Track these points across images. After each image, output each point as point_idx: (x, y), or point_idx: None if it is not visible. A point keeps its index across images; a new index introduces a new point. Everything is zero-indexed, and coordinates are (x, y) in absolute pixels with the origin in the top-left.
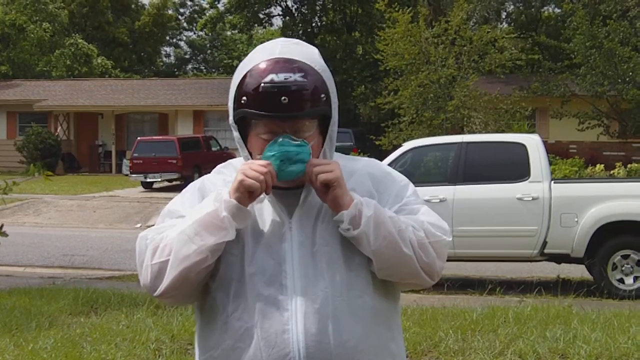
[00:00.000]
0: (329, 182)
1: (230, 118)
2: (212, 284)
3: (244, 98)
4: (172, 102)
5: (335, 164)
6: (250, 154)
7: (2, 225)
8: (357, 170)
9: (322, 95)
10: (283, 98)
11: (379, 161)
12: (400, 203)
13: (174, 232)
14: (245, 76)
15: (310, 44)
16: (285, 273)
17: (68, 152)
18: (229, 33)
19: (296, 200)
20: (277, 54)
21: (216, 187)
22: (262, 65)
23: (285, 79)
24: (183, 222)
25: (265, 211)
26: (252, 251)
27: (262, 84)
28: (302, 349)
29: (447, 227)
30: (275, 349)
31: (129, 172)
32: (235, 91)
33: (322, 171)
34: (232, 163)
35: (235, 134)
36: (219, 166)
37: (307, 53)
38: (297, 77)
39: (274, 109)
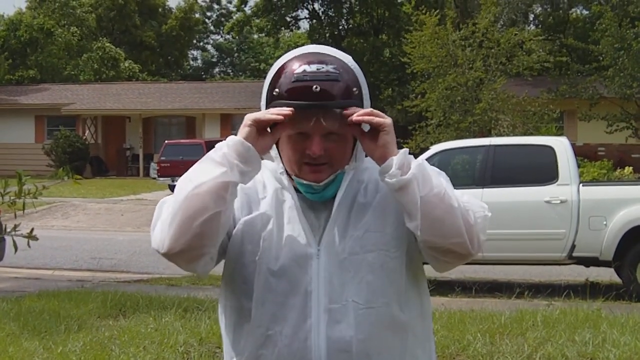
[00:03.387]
0: (382, 125)
1: None
2: (235, 288)
3: (276, 90)
4: (199, 105)
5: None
6: (281, 157)
7: (33, 229)
8: None
9: (355, 89)
10: (315, 86)
11: None
12: None
13: None
14: (277, 72)
15: (339, 47)
16: (310, 279)
17: (96, 155)
18: (256, 36)
19: (324, 206)
20: (310, 50)
21: None
22: (295, 60)
23: (317, 69)
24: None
25: (292, 215)
26: (276, 255)
27: (295, 74)
28: (324, 357)
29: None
30: (298, 357)
31: (156, 176)
32: (268, 88)
33: (376, 114)
34: (266, 164)
35: None
36: None
37: (340, 53)
38: (329, 68)
39: (306, 97)
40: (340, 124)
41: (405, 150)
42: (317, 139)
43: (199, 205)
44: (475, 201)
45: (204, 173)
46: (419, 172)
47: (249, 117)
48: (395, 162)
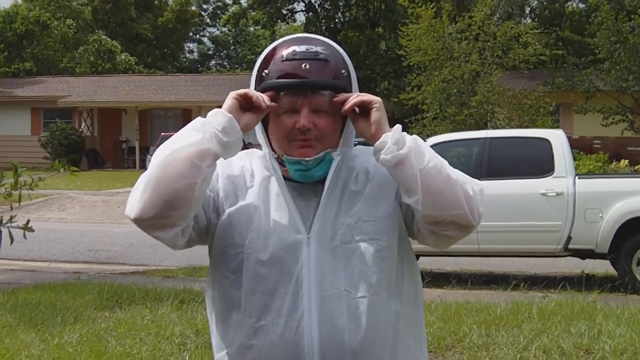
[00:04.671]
0: (371, 102)
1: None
2: (223, 280)
3: (265, 71)
4: (195, 97)
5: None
6: (270, 142)
7: (28, 221)
8: None
9: (343, 71)
10: (304, 65)
11: None
12: None
13: None
14: (268, 55)
15: (333, 39)
16: (301, 267)
17: (92, 148)
18: (252, 29)
19: (314, 193)
20: (299, 35)
21: (231, 167)
22: (285, 43)
23: (306, 49)
24: None
25: (281, 202)
26: (265, 244)
27: (285, 54)
28: (317, 346)
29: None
30: (290, 346)
31: None
32: (258, 69)
33: (361, 95)
34: (255, 152)
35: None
36: (241, 152)
37: (327, 39)
38: (318, 48)
39: (295, 76)
40: (328, 104)
41: (399, 126)
42: (306, 112)
43: (173, 172)
44: (468, 176)
45: (181, 140)
46: (415, 145)
47: (233, 92)
48: (391, 137)
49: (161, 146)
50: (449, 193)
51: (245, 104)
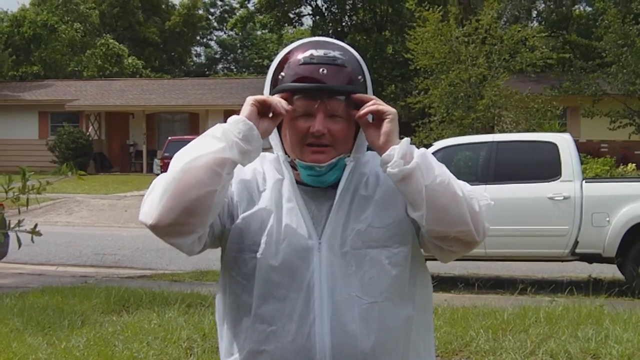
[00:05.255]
0: (385, 113)
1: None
2: (235, 285)
3: (282, 74)
4: (202, 101)
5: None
6: (283, 144)
7: (36, 225)
8: None
9: (360, 77)
10: (322, 69)
11: None
12: None
13: None
14: (284, 57)
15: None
16: (312, 273)
17: (99, 151)
18: (259, 33)
19: (326, 197)
20: (317, 39)
21: (243, 171)
22: (302, 46)
23: (324, 54)
24: None
25: (293, 206)
26: (276, 250)
27: (303, 58)
28: (329, 351)
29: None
30: (302, 352)
31: (159, 172)
32: (274, 72)
33: (380, 103)
34: (266, 156)
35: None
36: None
37: (344, 44)
38: (336, 53)
39: (312, 80)
40: (344, 109)
41: (407, 139)
42: (321, 117)
43: (193, 179)
44: (477, 190)
45: (201, 147)
46: (422, 161)
47: (251, 98)
48: (398, 151)
49: (180, 152)
50: (454, 210)
51: (263, 110)
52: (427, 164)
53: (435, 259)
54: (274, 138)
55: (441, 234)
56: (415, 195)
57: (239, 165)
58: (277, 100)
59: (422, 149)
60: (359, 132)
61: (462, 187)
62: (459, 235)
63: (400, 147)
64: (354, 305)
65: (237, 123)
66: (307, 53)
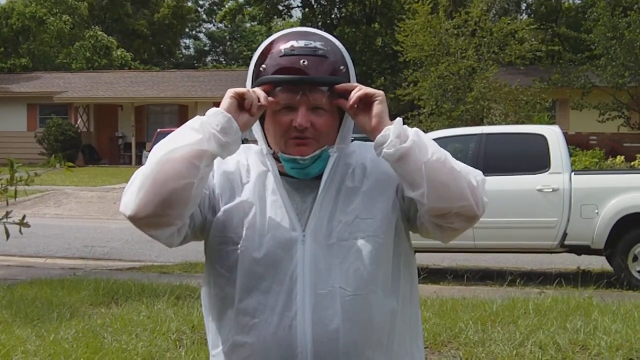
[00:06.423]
0: (374, 95)
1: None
2: (219, 277)
3: (263, 66)
4: (191, 93)
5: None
6: (266, 136)
7: (24, 217)
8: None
9: (342, 67)
10: (302, 60)
11: None
12: None
13: None
14: (265, 49)
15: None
16: (295, 265)
17: (88, 143)
18: (248, 25)
19: (310, 189)
20: (298, 29)
21: (227, 163)
22: (283, 37)
23: (305, 44)
24: None
25: (276, 198)
26: (260, 242)
27: (283, 49)
28: (310, 344)
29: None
30: (283, 344)
31: None
32: (255, 64)
33: (364, 88)
34: (252, 147)
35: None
36: None
37: (327, 34)
38: (317, 44)
39: (293, 72)
40: (327, 101)
41: (399, 119)
42: (304, 111)
43: (170, 171)
44: (470, 167)
45: (179, 139)
46: (418, 139)
47: (231, 90)
48: (393, 131)
49: (158, 144)
50: (453, 185)
51: (243, 102)
52: (422, 141)
53: (424, 252)
54: (257, 131)
55: (442, 211)
56: (414, 173)
57: (222, 157)
58: (258, 93)
59: (415, 128)
60: (342, 122)
61: (458, 163)
62: (459, 210)
63: (394, 127)
64: (337, 297)
65: (216, 115)
66: (288, 44)
